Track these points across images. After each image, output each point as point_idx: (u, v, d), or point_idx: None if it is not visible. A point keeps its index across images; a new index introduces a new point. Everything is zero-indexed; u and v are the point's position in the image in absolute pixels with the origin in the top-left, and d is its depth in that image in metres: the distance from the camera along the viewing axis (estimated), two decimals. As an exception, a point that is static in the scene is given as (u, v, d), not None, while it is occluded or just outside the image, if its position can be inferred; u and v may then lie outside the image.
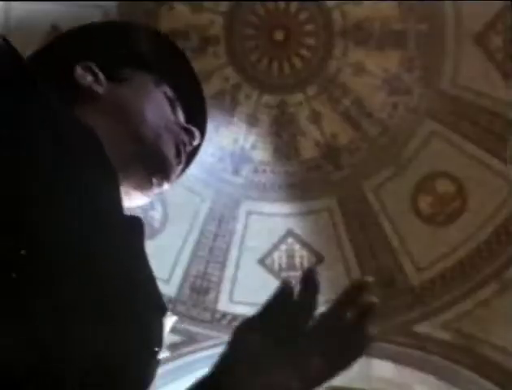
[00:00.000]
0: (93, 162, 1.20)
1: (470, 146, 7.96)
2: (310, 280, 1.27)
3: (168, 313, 1.22)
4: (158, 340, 1.14)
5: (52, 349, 0.93)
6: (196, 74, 1.81)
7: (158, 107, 1.59)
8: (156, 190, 1.56)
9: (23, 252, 0.95)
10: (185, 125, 1.67)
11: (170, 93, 1.67)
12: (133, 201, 1.57)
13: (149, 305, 1.14)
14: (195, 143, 1.68)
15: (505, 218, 7.78)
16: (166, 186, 1.57)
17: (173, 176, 1.58)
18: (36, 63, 1.55)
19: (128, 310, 1.06)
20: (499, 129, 7.63)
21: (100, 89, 1.53)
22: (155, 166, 1.53)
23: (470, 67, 7.70)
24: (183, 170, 1.69)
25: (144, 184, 1.53)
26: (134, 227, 1.23)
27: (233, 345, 1.25)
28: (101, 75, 1.55)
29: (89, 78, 1.53)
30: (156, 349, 1.13)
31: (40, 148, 1.07)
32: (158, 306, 1.18)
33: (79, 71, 1.53)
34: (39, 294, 0.95)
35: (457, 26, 7.65)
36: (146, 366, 1.08)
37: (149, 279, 1.19)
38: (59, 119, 1.19)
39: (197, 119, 1.77)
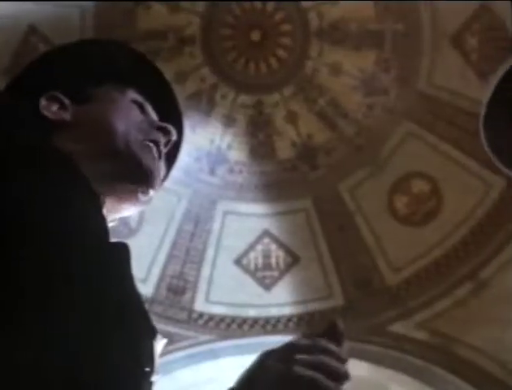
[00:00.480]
0: (74, 191, 1.21)
1: (446, 146, 8.00)
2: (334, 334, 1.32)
3: (159, 336, 1.22)
4: (148, 361, 1.14)
5: (39, 361, 0.94)
6: (161, 72, 1.81)
7: (126, 115, 1.58)
8: (144, 199, 1.55)
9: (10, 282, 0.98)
10: (159, 123, 1.66)
11: (137, 97, 1.66)
12: (124, 213, 1.58)
13: (138, 327, 1.14)
14: (172, 138, 1.67)
15: (480, 217, 7.83)
16: (151, 193, 1.56)
17: (158, 181, 1.57)
18: (9, 99, 1.56)
19: (117, 331, 1.07)
20: (475, 129, 7.66)
21: (67, 116, 1.52)
22: (138, 175, 1.52)
23: (446, 67, 7.74)
24: (166, 173, 1.68)
25: (132, 196, 1.53)
26: (120, 253, 1.23)
27: (257, 370, 1.24)
28: (66, 101, 1.55)
29: (54, 107, 1.53)
30: (147, 369, 1.13)
31: (18, 184, 1.09)
32: (147, 329, 1.19)
33: (43, 102, 1.52)
34: (27, 317, 0.97)
35: (433, 26, 7.69)
36: (136, 383, 1.08)
37: (138, 303, 1.20)
38: (37, 152, 1.20)
39: (172, 117, 1.76)
